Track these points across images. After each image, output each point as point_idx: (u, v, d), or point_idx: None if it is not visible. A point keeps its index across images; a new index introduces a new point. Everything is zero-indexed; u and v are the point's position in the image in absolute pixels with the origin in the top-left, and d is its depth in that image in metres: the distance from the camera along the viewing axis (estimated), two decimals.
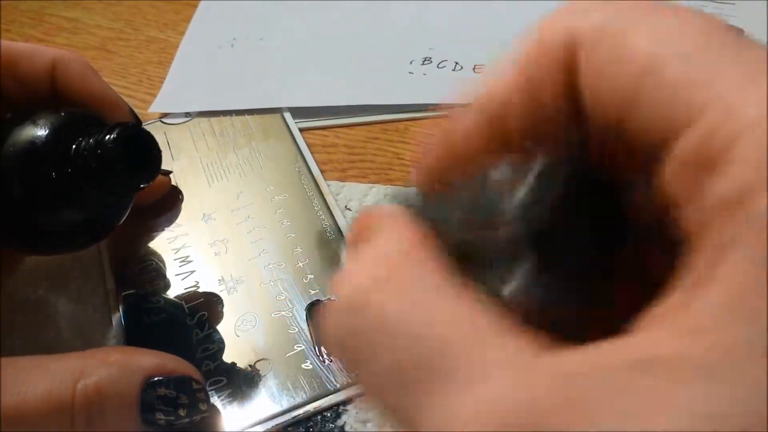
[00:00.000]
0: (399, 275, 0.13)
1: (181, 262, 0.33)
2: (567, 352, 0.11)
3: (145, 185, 0.27)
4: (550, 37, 0.14)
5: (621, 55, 0.13)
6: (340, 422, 0.26)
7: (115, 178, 0.25)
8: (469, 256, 0.14)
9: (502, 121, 0.15)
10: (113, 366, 0.24)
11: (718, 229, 0.11)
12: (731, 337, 0.09)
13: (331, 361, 0.28)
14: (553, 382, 0.10)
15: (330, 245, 0.32)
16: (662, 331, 0.10)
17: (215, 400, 0.27)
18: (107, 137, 0.25)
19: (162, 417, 0.24)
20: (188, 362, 0.26)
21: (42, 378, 0.23)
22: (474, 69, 0.41)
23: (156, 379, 0.24)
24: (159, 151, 0.27)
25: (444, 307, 0.12)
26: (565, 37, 0.14)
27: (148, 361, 0.24)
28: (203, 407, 0.25)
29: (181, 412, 0.24)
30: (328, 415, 0.27)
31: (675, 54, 0.12)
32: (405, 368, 0.12)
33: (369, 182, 0.36)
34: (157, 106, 0.42)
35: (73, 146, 0.25)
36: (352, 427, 0.26)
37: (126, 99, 0.31)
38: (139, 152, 0.26)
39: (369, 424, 0.26)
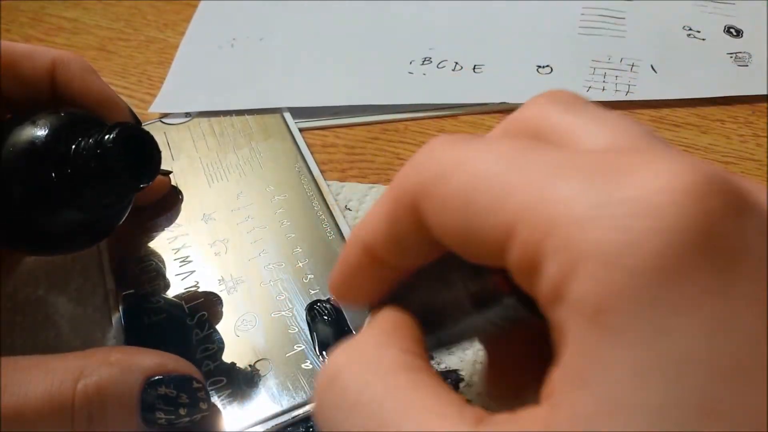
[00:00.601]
0: (362, 358, 0.16)
1: (181, 262, 0.33)
2: (497, 424, 0.13)
3: (145, 185, 0.27)
4: (402, 192, 0.16)
5: (441, 202, 0.15)
6: None
7: (115, 179, 0.25)
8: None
9: (374, 251, 0.18)
10: (113, 366, 0.24)
11: (554, 317, 0.13)
12: (573, 407, 0.12)
13: None
14: None
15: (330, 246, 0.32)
16: (546, 406, 0.13)
17: (215, 400, 0.27)
18: (107, 137, 0.25)
19: (162, 416, 0.24)
20: (188, 362, 0.26)
21: (42, 378, 0.23)
22: (474, 69, 0.41)
23: (156, 378, 0.24)
24: (159, 152, 0.27)
25: (396, 385, 0.15)
26: (414, 188, 0.16)
27: (149, 360, 0.24)
28: (204, 406, 0.25)
29: (182, 412, 0.24)
30: None
31: (484, 184, 0.14)
32: None
33: (369, 182, 0.36)
34: (157, 106, 0.42)
35: (73, 146, 0.25)
36: None
37: (126, 99, 0.31)
38: (139, 152, 0.26)
39: None
